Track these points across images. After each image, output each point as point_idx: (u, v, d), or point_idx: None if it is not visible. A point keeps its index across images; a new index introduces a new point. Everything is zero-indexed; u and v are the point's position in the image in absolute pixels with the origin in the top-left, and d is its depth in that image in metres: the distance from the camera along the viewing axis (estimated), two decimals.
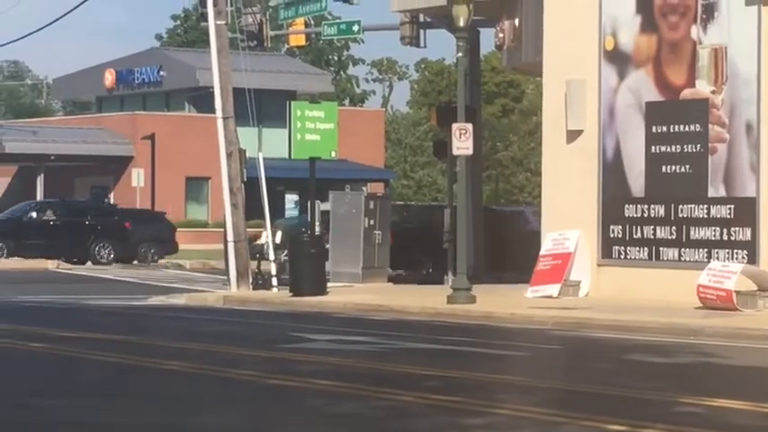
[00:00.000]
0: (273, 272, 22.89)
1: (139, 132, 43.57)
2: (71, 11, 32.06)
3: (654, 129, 20.94)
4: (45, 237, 33.80)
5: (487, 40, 28.51)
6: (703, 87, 20.13)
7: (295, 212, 39.08)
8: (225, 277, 23.83)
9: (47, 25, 33.65)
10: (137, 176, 41.45)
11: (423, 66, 62.95)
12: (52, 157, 44.67)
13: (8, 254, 32.89)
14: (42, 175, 44.41)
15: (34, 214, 36.24)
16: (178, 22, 62.74)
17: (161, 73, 47.04)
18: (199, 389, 10.07)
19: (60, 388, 9.97)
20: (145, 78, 47.78)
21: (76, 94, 58.96)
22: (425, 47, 30.86)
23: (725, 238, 19.93)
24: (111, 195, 46.11)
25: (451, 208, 24.28)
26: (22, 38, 41.01)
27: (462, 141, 19.82)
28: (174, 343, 14.64)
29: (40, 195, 43.62)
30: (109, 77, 48.43)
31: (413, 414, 8.59)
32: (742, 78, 19.58)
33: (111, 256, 33.85)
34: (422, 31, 28.75)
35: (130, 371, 11.67)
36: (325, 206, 26.39)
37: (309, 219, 23.99)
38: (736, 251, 19.68)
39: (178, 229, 39.09)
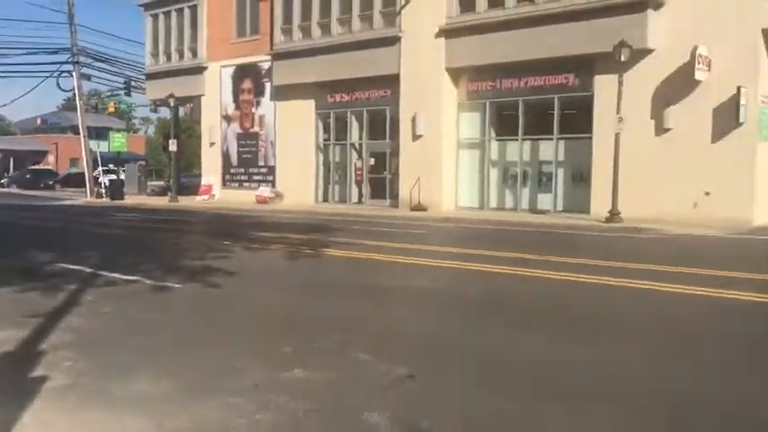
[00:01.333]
0: (103, 190, 38.70)
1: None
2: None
3: (240, 142, 35.16)
4: None
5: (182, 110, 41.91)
6: (257, 129, 34.27)
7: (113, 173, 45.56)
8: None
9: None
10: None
11: (159, 118, 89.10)
12: None
13: None
14: None
15: None
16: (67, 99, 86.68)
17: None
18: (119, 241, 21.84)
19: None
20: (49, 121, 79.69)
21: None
22: (160, 112, 50.27)
23: (264, 179, 34.06)
24: None
25: (171, 171, 38.21)
26: None
27: (173, 146, 35.48)
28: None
29: None
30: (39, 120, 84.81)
31: (155, 231, 19.27)
32: (268, 125, 33.82)
33: None
34: (158, 107, 41.93)
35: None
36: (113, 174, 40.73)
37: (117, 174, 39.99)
38: (269, 184, 33.63)
39: None
